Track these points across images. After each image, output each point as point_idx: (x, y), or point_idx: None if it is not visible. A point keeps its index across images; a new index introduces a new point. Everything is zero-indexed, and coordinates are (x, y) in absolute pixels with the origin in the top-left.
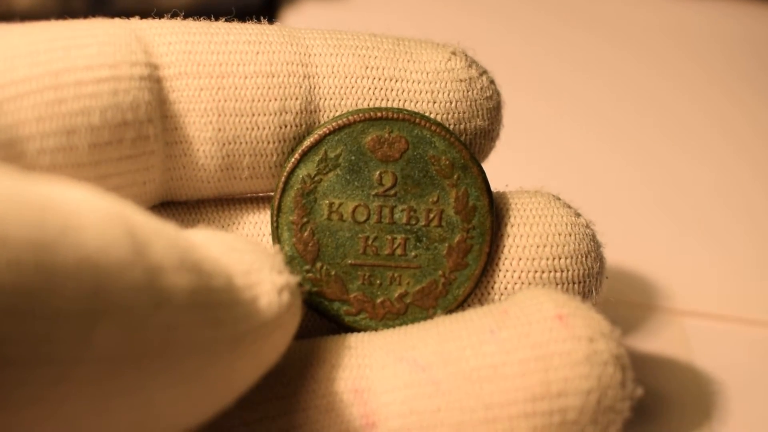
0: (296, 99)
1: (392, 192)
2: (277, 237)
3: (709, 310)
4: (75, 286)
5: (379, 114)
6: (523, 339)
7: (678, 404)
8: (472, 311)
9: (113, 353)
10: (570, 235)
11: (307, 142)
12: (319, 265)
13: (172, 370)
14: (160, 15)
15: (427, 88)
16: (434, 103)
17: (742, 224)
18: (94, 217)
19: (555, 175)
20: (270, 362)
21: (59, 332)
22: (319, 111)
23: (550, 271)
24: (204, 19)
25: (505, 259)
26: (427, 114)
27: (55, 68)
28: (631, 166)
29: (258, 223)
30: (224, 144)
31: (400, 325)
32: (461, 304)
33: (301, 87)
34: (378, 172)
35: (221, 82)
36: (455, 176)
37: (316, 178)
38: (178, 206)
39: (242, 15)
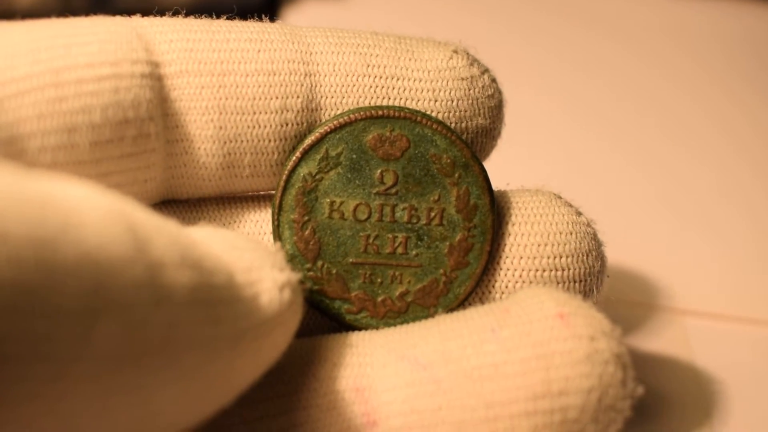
0: (297, 97)
1: (393, 190)
2: (278, 235)
3: (710, 309)
4: (75, 283)
5: (380, 112)
6: (524, 338)
7: (678, 403)
8: (473, 310)
9: (113, 350)
10: (571, 234)
11: (308, 141)
12: (320, 263)
13: (172, 368)
14: (161, 13)
15: (428, 86)
16: (436, 101)
17: (743, 223)
18: (95, 214)
19: (556, 174)
20: (271, 360)
21: (59, 329)
22: (321, 109)
23: (551, 270)
24: (205, 17)
25: (506, 257)
26: (428, 112)
27: (56, 66)
28: (631, 165)
29: (259, 221)
30: (225, 142)
31: (401, 323)
32: (462, 303)
33: (302, 85)
34: (379, 171)
35: (222, 80)
36: (456, 175)
37: (317, 177)
38: (179, 204)
39: (243, 13)
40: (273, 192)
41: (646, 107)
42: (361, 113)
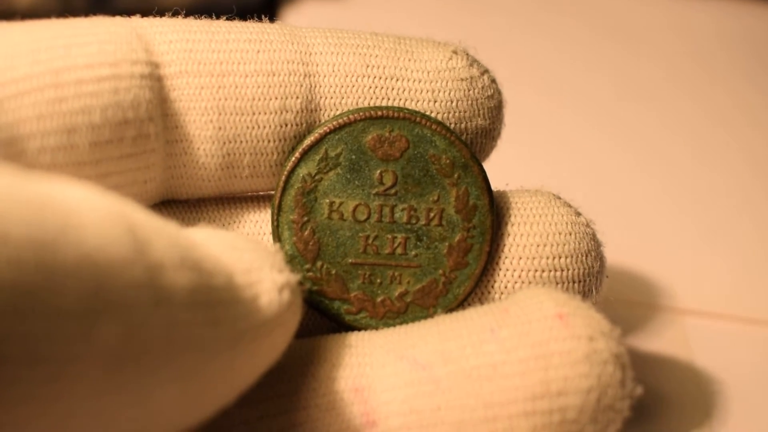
0: (297, 98)
1: (393, 191)
2: (277, 236)
3: (709, 309)
4: (75, 284)
5: (379, 113)
6: (524, 338)
7: (678, 404)
8: (473, 310)
9: (113, 351)
10: (570, 234)
11: (307, 141)
12: (319, 264)
13: (171, 368)
14: (160, 13)
15: (428, 87)
16: (435, 102)
17: (743, 223)
18: (95, 216)
19: (555, 174)
20: (270, 361)
21: (59, 331)
22: (320, 110)
23: (550, 270)
24: (205, 17)
25: (506, 258)
26: (427, 113)
27: (55, 66)
28: (631, 165)
29: (258, 221)
30: (225, 142)
31: (401, 323)
32: (461, 303)
33: (301, 86)
34: (378, 171)
35: (222, 80)
36: (456, 175)
37: (316, 177)
38: (178, 205)
39: (243, 14)
40: (272, 192)
41: (646, 107)
42: (361, 114)
